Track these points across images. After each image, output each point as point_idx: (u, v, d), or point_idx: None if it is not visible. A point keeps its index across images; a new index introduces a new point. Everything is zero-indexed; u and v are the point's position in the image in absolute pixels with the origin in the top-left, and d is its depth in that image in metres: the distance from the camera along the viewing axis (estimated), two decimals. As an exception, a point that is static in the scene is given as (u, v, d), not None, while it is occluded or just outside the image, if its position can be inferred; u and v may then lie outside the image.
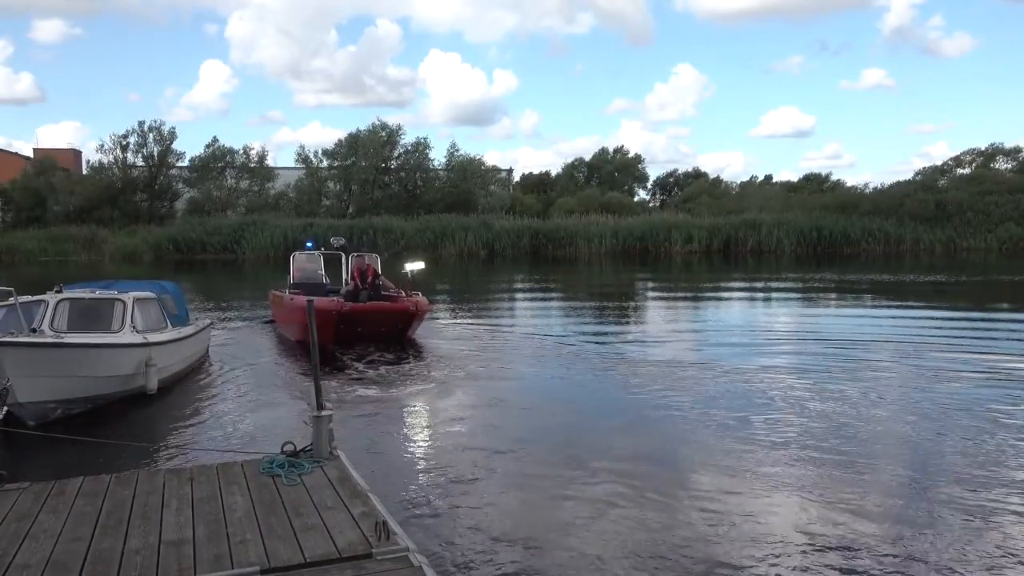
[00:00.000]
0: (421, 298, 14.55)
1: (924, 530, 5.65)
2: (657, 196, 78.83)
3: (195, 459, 7.28)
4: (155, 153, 58.09)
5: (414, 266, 15.64)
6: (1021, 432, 8.09)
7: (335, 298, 14.25)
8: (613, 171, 71.30)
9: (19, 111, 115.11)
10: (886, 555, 5.25)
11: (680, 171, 79.71)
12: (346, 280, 16.11)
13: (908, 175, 66.58)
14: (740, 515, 5.98)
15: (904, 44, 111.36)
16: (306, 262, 17.01)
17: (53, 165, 57.94)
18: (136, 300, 10.24)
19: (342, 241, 17.06)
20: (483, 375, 11.64)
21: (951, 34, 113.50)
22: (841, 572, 5.04)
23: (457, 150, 62.14)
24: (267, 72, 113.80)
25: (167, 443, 8.24)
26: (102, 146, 58.89)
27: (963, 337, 14.67)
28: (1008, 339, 14.93)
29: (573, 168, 72.66)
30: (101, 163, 58.35)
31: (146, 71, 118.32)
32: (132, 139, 57.68)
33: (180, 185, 59.81)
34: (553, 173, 72.60)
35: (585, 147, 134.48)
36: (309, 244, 17.97)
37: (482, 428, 8.73)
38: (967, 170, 60.20)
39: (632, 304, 23.79)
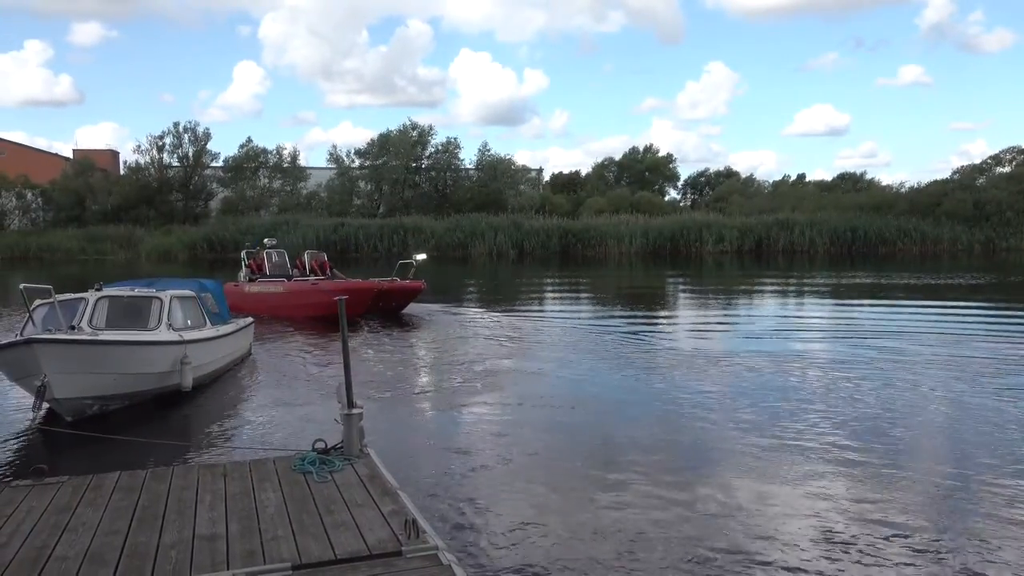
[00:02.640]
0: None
1: (955, 528, 5.54)
2: (688, 196, 78.28)
3: (228, 456, 7.38)
4: (190, 153, 59.11)
5: (419, 256, 19.87)
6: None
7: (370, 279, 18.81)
8: (643, 170, 70.89)
9: (59, 112, 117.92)
10: (918, 554, 5.16)
11: (711, 170, 79.19)
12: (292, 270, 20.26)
13: (946, 174, 65.31)
14: (770, 514, 5.92)
15: (942, 40, 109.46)
16: (275, 256, 20.22)
17: (91, 166, 59.18)
18: (174, 298, 10.38)
19: (274, 241, 21.47)
20: (514, 373, 11.64)
21: (991, 30, 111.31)
22: (868, 569, 4.97)
23: (487, 150, 62.42)
24: (299, 73, 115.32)
25: (201, 440, 8.36)
26: (139, 147, 60.19)
27: (1004, 334, 14.34)
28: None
29: (603, 167, 72.41)
30: (138, 163, 59.63)
31: (181, 73, 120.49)
32: (168, 140, 58.90)
33: (214, 185, 60.74)
34: (583, 173, 72.44)
35: (615, 146, 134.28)
36: (267, 241, 21.45)
37: (512, 426, 8.73)
38: (1007, 168, 58.71)
39: (663, 303, 23.63)
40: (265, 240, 21.27)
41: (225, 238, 48.72)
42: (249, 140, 61.74)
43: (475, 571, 5.02)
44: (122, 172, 64.01)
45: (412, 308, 19.72)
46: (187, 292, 11.12)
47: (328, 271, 20.51)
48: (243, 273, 20.02)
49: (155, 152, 58.90)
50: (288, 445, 7.18)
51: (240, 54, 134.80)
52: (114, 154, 70.43)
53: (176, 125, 58.88)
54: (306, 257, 20.63)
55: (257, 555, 4.23)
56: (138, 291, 10.41)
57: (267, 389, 10.88)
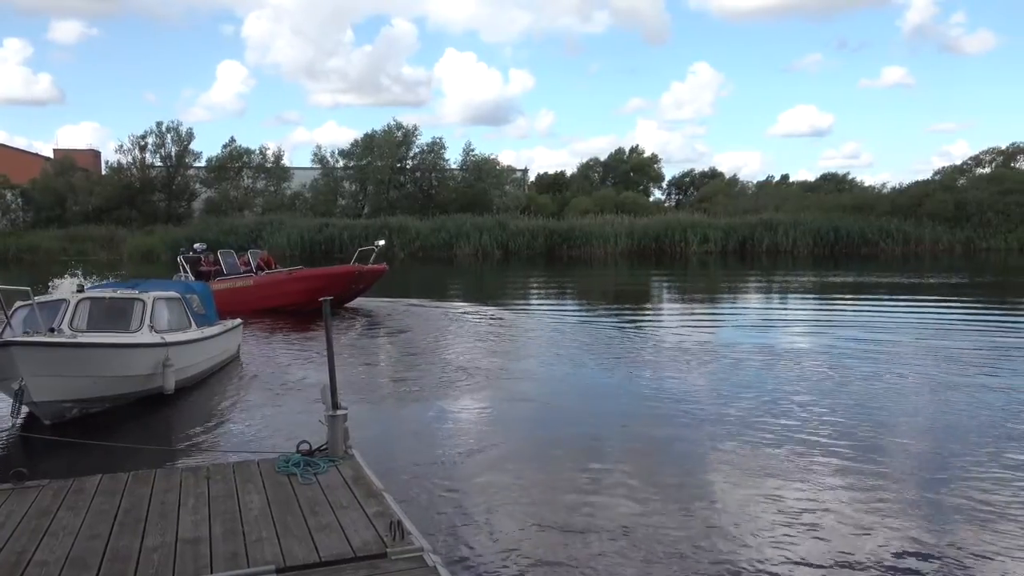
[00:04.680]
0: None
1: (940, 518, 5.60)
2: (673, 196, 78.55)
3: (211, 458, 7.33)
4: (173, 153, 58.70)
5: (380, 241, 21.34)
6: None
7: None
8: (628, 171, 71.06)
9: (39, 111, 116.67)
10: (905, 550, 5.21)
11: (696, 171, 79.36)
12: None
13: (927, 174, 66.24)
14: (754, 507, 5.96)
15: (925, 42, 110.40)
16: (227, 258, 21.34)
17: (72, 165, 58.66)
18: (157, 300, 10.29)
19: (204, 246, 22.69)
20: (499, 373, 11.64)
21: (973, 31, 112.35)
22: (858, 568, 5.01)
23: (472, 150, 62.29)
24: (283, 72, 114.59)
25: (184, 443, 8.30)
26: (121, 146, 59.62)
27: (984, 329, 14.50)
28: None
29: (588, 168, 72.52)
30: (120, 163, 59.13)
31: (163, 72, 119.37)
32: (150, 139, 58.49)
33: (197, 185, 60.32)
34: (568, 173, 72.54)
35: (601, 146, 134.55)
36: (197, 246, 22.56)
37: (498, 426, 8.74)
38: (987, 170, 59.50)
39: (648, 302, 23.71)
40: (196, 245, 22.55)
41: (208, 239, 48.23)
42: (232, 140, 61.63)
43: (461, 572, 5.02)
44: (104, 172, 63.42)
45: (396, 307, 19.71)
46: (171, 294, 11.03)
47: (273, 267, 21.76)
48: (183, 276, 20.31)
49: (137, 152, 58.51)
50: (272, 447, 7.14)
51: (223, 53, 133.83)
52: (95, 154, 69.82)
53: (159, 125, 58.58)
54: (249, 256, 21.62)
55: (241, 558, 4.20)
56: (120, 293, 10.32)
57: (252, 391, 10.82)
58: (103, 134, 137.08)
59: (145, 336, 9.58)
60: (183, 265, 20.53)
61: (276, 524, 4.67)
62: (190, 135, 59.07)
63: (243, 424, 8.97)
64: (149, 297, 10.13)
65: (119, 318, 9.72)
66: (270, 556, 4.20)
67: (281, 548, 4.31)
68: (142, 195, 57.30)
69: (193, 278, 19.78)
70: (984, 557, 5.21)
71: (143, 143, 58.32)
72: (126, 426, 8.85)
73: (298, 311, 18.77)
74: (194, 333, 10.89)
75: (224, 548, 4.33)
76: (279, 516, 4.80)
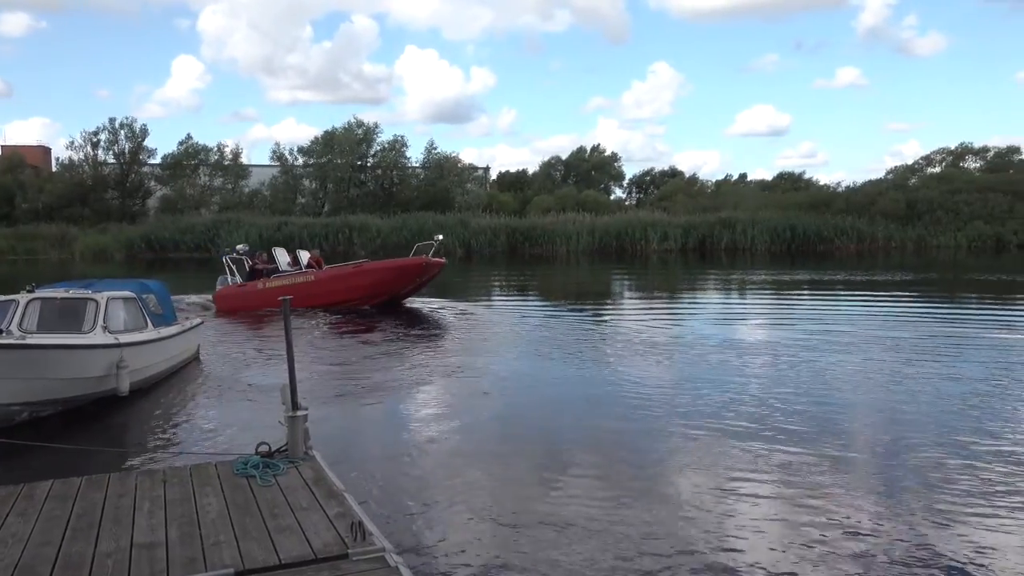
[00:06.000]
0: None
1: (897, 508, 5.74)
2: (633, 195, 79.19)
3: (168, 461, 7.19)
4: (126, 150, 57.39)
5: (439, 236, 21.11)
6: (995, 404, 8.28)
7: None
8: (590, 169, 71.49)
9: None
10: (859, 536, 5.33)
11: (656, 170, 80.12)
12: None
13: (880, 174, 67.74)
14: (713, 501, 6.04)
15: (878, 43, 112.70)
16: (282, 255, 21.07)
17: (22, 162, 57.02)
18: (111, 300, 10.05)
19: (246, 247, 22.17)
20: (460, 371, 11.62)
21: (925, 33, 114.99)
22: (818, 565, 5.10)
23: (434, 148, 62.15)
24: (240, 68, 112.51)
25: (139, 446, 8.14)
26: (72, 143, 58.16)
27: (934, 322, 14.90)
28: (976, 322, 15.20)
29: (550, 166, 72.75)
30: (71, 160, 57.59)
31: (116, 66, 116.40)
32: (103, 136, 57.03)
33: (152, 183, 59.10)
34: (530, 171, 72.71)
35: (562, 145, 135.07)
36: (244, 247, 22.07)
37: (459, 423, 8.73)
38: (937, 169, 61.20)
39: (610, 299, 23.87)
40: (238, 247, 21.99)
41: (164, 237, 47.53)
42: (189, 137, 60.32)
43: (423, 572, 5.00)
44: (55, 169, 61.83)
45: (357, 306, 19.57)
46: (127, 293, 10.78)
47: (322, 267, 21.27)
48: (231, 279, 20.39)
49: (89, 148, 57.07)
50: (230, 449, 7.02)
51: (178, 48, 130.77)
52: (46, 150, 67.93)
53: (112, 121, 57.17)
54: (298, 255, 21.34)
55: (198, 562, 4.13)
56: (72, 293, 10.07)
57: (210, 392, 10.64)
58: (54, 130, 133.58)
59: (98, 337, 9.35)
60: (229, 267, 20.39)
61: (235, 527, 4.60)
62: (144, 131, 57.87)
63: (201, 426, 8.82)
64: (103, 297, 9.90)
65: (71, 319, 9.48)
66: (228, 559, 4.14)
67: (240, 551, 4.25)
68: (95, 193, 55.94)
69: (240, 279, 20.20)
70: (940, 536, 5.36)
71: (95, 139, 56.97)
72: (79, 429, 8.64)
73: (361, 306, 19.11)
74: (150, 333, 10.67)
75: (181, 552, 4.25)
76: (238, 519, 4.73)
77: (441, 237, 21.41)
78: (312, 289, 19.05)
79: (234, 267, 20.41)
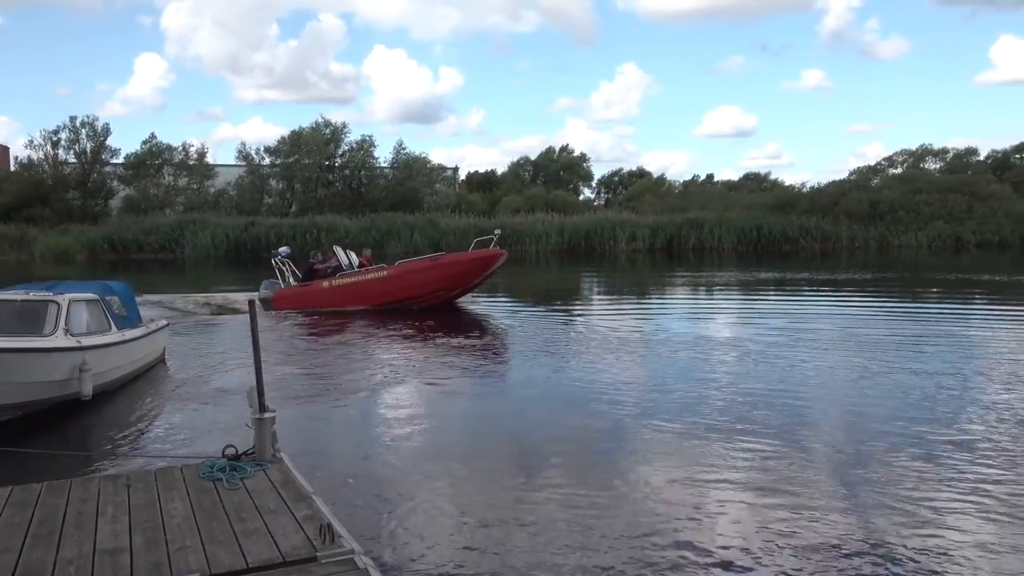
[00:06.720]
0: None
1: (862, 504, 5.84)
2: (602, 195, 79.62)
3: (132, 465, 7.08)
4: (88, 149, 56.22)
5: (497, 231, 20.97)
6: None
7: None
8: (558, 170, 71.75)
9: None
10: (826, 530, 5.42)
11: (625, 170, 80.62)
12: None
13: (844, 174, 68.64)
14: (685, 497, 6.09)
15: (842, 46, 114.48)
16: (342, 255, 20.80)
17: (-22, 161, 55.70)
18: (73, 302, 9.83)
19: (288, 249, 21.83)
20: (429, 371, 11.58)
21: (887, 37, 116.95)
22: (782, 548, 5.18)
23: (403, 148, 61.85)
24: (205, 66, 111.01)
25: (102, 450, 7.98)
26: (31, 141, 56.74)
27: (896, 319, 15.20)
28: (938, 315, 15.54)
29: (519, 166, 72.88)
30: (30, 159, 56.25)
31: (77, 64, 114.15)
32: (63, 135, 55.78)
33: (115, 183, 57.97)
34: (499, 171, 72.79)
35: (531, 145, 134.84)
36: (282, 250, 21.65)
37: (429, 423, 8.71)
38: (899, 170, 62.45)
39: (580, 299, 23.97)
40: (281, 249, 21.83)
41: (127, 238, 46.68)
42: (152, 136, 59.13)
43: (392, 573, 4.99)
44: (12, 168, 60.43)
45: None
46: (89, 295, 10.56)
47: (374, 260, 21.64)
48: (281, 281, 20.32)
49: (49, 148, 55.81)
50: (196, 452, 6.92)
51: (141, 45, 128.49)
52: (3, 149, 66.38)
53: (72, 119, 55.92)
54: (347, 254, 21.33)
55: (164, 567, 4.07)
56: (32, 295, 9.85)
57: (176, 394, 10.49)
58: (12, 128, 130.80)
59: (59, 340, 9.16)
60: (280, 268, 20.25)
61: (201, 531, 4.54)
62: (106, 130, 56.75)
63: (166, 429, 8.69)
64: (64, 299, 9.70)
65: (31, 321, 9.26)
66: (195, 564, 4.09)
67: (206, 555, 4.20)
68: (55, 193, 54.76)
69: (293, 280, 20.06)
70: (901, 523, 5.47)
71: (55, 138, 55.75)
72: (40, 434, 8.46)
73: (433, 303, 19.12)
74: (114, 336, 10.47)
75: (146, 558, 4.19)
76: (204, 523, 4.67)
77: (499, 232, 21.29)
78: (387, 286, 18.99)
79: (284, 269, 20.20)
